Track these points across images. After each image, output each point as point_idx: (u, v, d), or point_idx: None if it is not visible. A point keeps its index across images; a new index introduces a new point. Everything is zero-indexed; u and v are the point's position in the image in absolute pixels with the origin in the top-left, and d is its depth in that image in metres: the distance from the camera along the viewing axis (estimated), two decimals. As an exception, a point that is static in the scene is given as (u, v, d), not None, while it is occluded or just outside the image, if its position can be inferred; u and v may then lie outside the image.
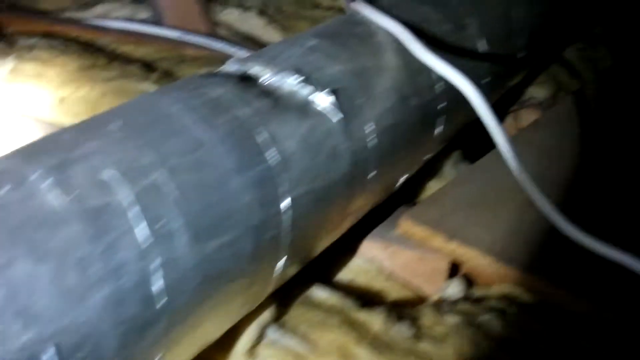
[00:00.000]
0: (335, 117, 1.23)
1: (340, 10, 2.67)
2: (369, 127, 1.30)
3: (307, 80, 1.24)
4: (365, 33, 1.49)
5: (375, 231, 1.57)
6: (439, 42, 1.59)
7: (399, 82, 1.42)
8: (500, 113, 2.21)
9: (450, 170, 1.89)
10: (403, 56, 1.46)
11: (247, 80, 1.24)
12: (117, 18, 2.61)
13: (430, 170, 1.84)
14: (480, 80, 1.74)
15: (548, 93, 2.35)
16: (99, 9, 2.67)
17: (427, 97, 1.50)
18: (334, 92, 1.25)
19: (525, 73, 2.23)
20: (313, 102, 1.22)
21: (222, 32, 2.63)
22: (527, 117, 2.23)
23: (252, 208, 1.04)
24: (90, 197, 0.86)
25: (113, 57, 2.27)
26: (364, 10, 1.56)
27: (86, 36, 2.45)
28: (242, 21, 2.67)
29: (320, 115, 1.22)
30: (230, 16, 2.69)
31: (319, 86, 1.25)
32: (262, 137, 1.09)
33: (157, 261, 0.87)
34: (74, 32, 2.46)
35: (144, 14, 2.65)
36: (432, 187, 1.83)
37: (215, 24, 2.65)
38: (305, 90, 1.23)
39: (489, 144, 1.83)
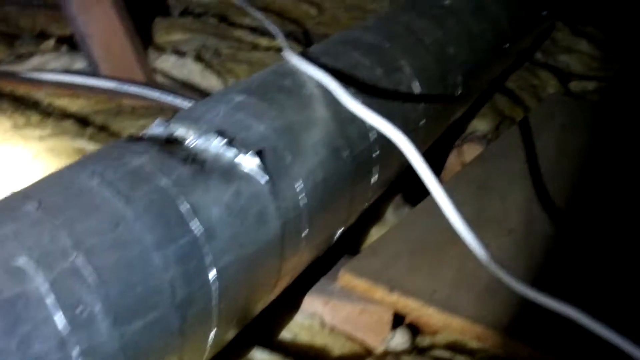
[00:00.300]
0: (263, 178, 1.22)
1: (279, 50, 2.68)
2: (299, 186, 1.30)
3: (233, 142, 1.23)
4: (295, 84, 1.48)
5: (316, 285, 1.56)
6: (371, 87, 1.60)
7: (330, 134, 1.42)
8: (445, 148, 2.23)
9: (391, 215, 1.90)
10: (334, 106, 1.46)
11: (171, 144, 1.23)
12: (53, 70, 2.58)
13: (371, 216, 1.84)
14: (417, 122, 1.76)
15: (491, 125, 2.38)
16: (35, 60, 2.65)
17: (361, 147, 1.50)
18: (260, 152, 1.24)
19: (466, 108, 2.25)
20: (239, 164, 1.21)
21: (159, 79, 2.62)
22: (471, 151, 2.25)
23: (177, 283, 1.02)
24: (3, 286, 0.84)
25: (48, 113, 2.25)
26: (293, 59, 1.56)
27: (21, 90, 2.42)
28: (178, 67, 2.66)
29: (246, 177, 1.21)
30: (167, 63, 2.68)
31: (245, 147, 1.24)
32: (185, 207, 1.08)
33: (77, 350, 0.85)
34: (7, 86, 2.43)
35: (80, 64, 2.63)
36: (374, 233, 1.83)
37: (152, 71, 2.64)
38: (230, 153, 1.21)
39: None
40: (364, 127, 1.49)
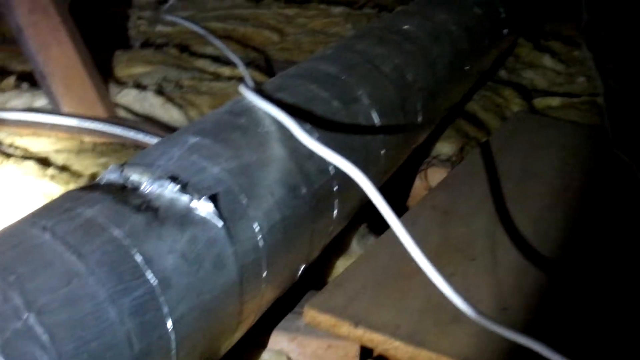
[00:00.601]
0: (218, 223, 1.22)
1: (241, 79, 2.70)
2: (257, 227, 1.30)
3: (187, 187, 1.24)
4: (251, 122, 1.49)
5: (282, 322, 1.56)
6: (328, 121, 1.61)
7: (287, 172, 1.43)
8: (410, 173, 2.25)
9: (357, 245, 1.91)
10: (290, 143, 1.47)
11: (125, 191, 1.23)
12: (13, 108, 2.58)
13: (336, 247, 1.85)
14: (378, 152, 1.77)
15: (455, 147, 2.41)
16: (-5, 99, 2.65)
17: (320, 182, 1.51)
18: (214, 196, 1.25)
19: (428, 132, 2.27)
20: (194, 209, 1.22)
21: (121, 114, 2.62)
22: (436, 175, 2.27)
23: (134, 336, 1.02)
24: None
25: (8, 155, 2.24)
26: (248, 95, 1.57)
27: (-19, 131, 2.42)
28: (140, 101, 2.67)
29: (202, 223, 1.21)
30: (128, 97, 2.69)
31: (200, 191, 1.24)
32: (139, 257, 1.08)
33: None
34: (-33, 127, 2.44)
35: (41, 101, 2.63)
36: (340, 265, 1.84)
37: (113, 106, 2.65)
38: (184, 198, 1.22)
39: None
40: (322, 162, 1.50)
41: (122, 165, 1.31)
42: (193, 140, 1.39)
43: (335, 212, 1.59)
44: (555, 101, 2.93)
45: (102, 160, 2.26)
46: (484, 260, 1.74)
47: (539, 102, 2.94)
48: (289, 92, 1.65)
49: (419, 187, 2.26)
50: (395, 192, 2.27)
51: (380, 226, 1.91)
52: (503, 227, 1.87)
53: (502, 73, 3.18)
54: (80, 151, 2.34)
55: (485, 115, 2.70)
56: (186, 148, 1.36)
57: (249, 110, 1.54)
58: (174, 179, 1.25)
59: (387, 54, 2.01)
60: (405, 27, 2.26)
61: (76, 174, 2.17)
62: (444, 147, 2.40)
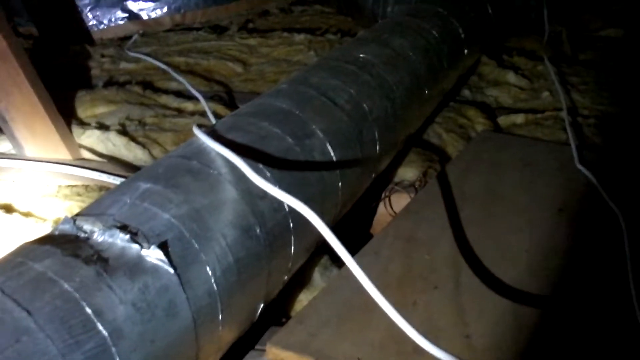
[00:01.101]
0: (170, 269, 1.25)
1: (203, 114, 2.73)
2: (209, 271, 1.33)
3: (137, 235, 1.27)
4: (203, 164, 1.52)
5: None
6: (281, 159, 1.65)
7: (239, 213, 1.46)
8: (374, 199, 2.28)
9: (319, 278, 1.94)
10: (243, 184, 1.50)
11: (77, 242, 1.26)
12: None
13: (299, 280, 1.88)
14: (335, 185, 1.81)
15: (418, 172, 2.43)
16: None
17: (274, 221, 1.54)
18: (165, 243, 1.28)
19: (389, 160, 2.31)
20: (145, 258, 1.25)
21: (84, 155, 2.65)
22: (400, 201, 2.30)
23: (86, 389, 1.05)
24: None
25: (-30, 202, 2.27)
26: (201, 137, 1.61)
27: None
28: (103, 142, 2.70)
29: (153, 271, 1.24)
30: (92, 138, 2.72)
31: (150, 239, 1.28)
32: (90, 310, 1.11)
33: None
34: None
35: (4, 146, 2.65)
36: (303, 298, 1.87)
37: (77, 148, 2.67)
38: (135, 247, 1.25)
39: (358, 243, 1.90)
40: (276, 200, 1.53)
41: (75, 216, 1.34)
42: (144, 186, 1.42)
43: (293, 248, 1.62)
44: (519, 118, 2.97)
45: (66, 204, 2.28)
46: (446, 287, 1.77)
47: (504, 120, 2.98)
48: (242, 131, 1.69)
49: (383, 213, 2.30)
50: (361, 218, 2.31)
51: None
52: (465, 252, 1.91)
53: (466, 92, 3.22)
54: (44, 195, 2.36)
55: (449, 137, 2.73)
56: (137, 195, 1.39)
57: (202, 152, 1.57)
58: (124, 228, 1.28)
59: (341, 85, 2.04)
60: (361, 55, 2.29)
61: (40, 219, 2.19)
62: (407, 172, 2.43)
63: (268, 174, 1.57)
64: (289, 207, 1.57)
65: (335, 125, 1.89)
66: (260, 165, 1.56)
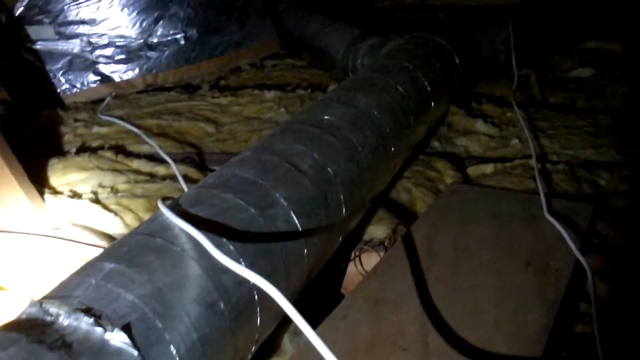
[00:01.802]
0: (133, 352, 1.30)
1: (175, 178, 2.79)
2: (174, 350, 1.38)
3: (101, 318, 1.32)
4: (167, 241, 1.57)
5: None
6: (244, 232, 1.69)
7: (203, 289, 1.51)
8: (344, 258, 2.32)
9: (289, 344, 1.97)
10: (206, 259, 1.55)
11: (43, 327, 1.30)
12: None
13: (269, 347, 1.92)
14: (300, 253, 1.85)
15: (388, 230, 2.48)
16: None
17: (238, 295, 1.59)
18: (128, 325, 1.32)
19: (357, 221, 2.35)
20: (108, 340, 1.29)
21: (57, 224, 2.69)
22: (370, 260, 2.34)
23: None
24: None
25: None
26: (165, 212, 1.66)
27: None
28: (75, 210, 2.73)
29: (117, 353, 1.28)
30: (64, 207, 2.76)
31: (114, 321, 1.32)
32: (53, 399, 1.15)
33: None
34: None
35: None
36: (273, 366, 1.90)
37: (49, 217, 2.71)
38: (99, 330, 1.30)
39: (330, 303, 1.94)
40: (240, 274, 1.57)
41: (42, 299, 1.39)
42: (109, 267, 1.47)
43: (259, 320, 1.66)
44: (489, 168, 3.03)
45: (38, 275, 2.32)
46: (414, 349, 1.81)
47: (473, 170, 3.03)
48: (205, 204, 1.74)
49: (353, 273, 2.34)
50: (331, 278, 2.35)
51: (314, 320, 1.98)
52: (433, 312, 1.95)
53: (436, 144, 3.29)
54: (16, 267, 2.39)
55: (418, 192, 2.79)
56: (102, 276, 1.44)
57: (165, 229, 1.62)
58: (88, 311, 1.33)
59: (305, 150, 2.09)
60: (326, 117, 2.34)
61: (12, 293, 2.22)
62: (377, 230, 2.48)
63: (232, 248, 1.61)
64: (254, 279, 1.61)
65: (299, 192, 1.94)
66: (224, 240, 1.61)
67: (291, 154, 2.07)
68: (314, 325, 1.91)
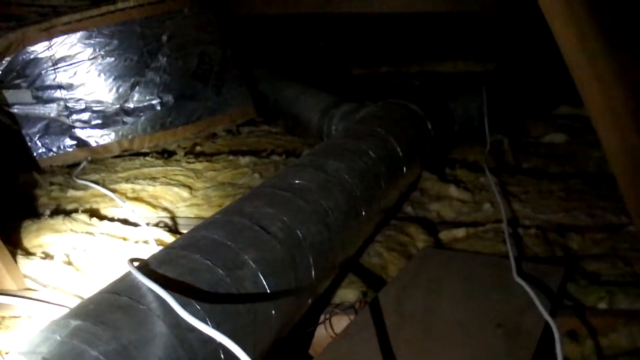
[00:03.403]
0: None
1: (147, 241, 2.81)
2: (137, 409, 1.39)
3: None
4: (134, 299, 1.61)
5: None
6: (210, 293, 1.72)
7: (169, 347, 1.53)
8: (313, 320, 2.34)
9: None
10: (171, 318, 1.58)
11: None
12: None
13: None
14: (268, 313, 1.88)
15: (358, 293, 2.51)
16: None
17: (204, 353, 1.62)
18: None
19: (327, 285, 2.38)
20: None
21: (29, 285, 2.71)
22: (341, 323, 2.37)
23: None
24: None
25: None
26: (133, 271, 1.69)
27: None
28: (48, 272, 2.75)
29: (80, 411, 1.30)
30: (37, 268, 2.78)
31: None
32: None
33: None
34: None
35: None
36: None
37: (22, 278, 2.73)
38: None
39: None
40: (206, 333, 1.59)
41: (6, 353, 1.41)
42: (74, 323, 1.50)
43: (226, 379, 1.68)
44: (460, 232, 3.08)
45: (9, 334, 2.32)
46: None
47: (445, 235, 3.08)
48: (173, 264, 1.77)
49: (323, 336, 2.36)
50: (300, 340, 2.37)
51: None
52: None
53: (408, 209, 3.33)
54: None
55: (390, 256, 2.83)
56: (67, 333, 1.47)
57: (133, 288, 1.65)
58: (52, 371, 1.34)
59: (275, 213, 2.14)
60: (297, 181, 2.39)
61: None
62: (347, 294, 2.51)
63: (198, 307, 1.64)
64: (220, 338, 1.63)
65: (268, 254, 1.98)
66: (191, 300, 1.64)
67: (261, 216, 2.11)
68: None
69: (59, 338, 1.45)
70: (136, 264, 1.76)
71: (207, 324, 1.59)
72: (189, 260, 1.80)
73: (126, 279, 1.71)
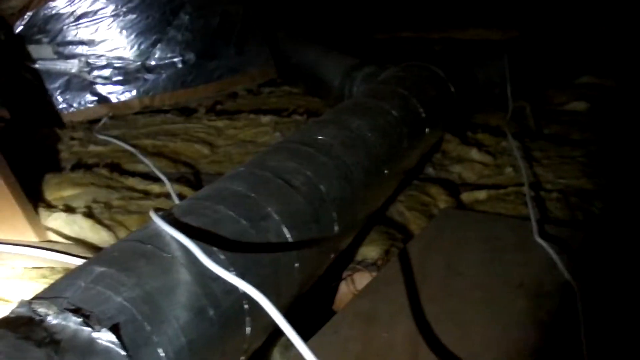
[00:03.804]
0: (121, 351, 1.30)
1: (169, 196, 2.79)
2: (161, 353, 1.38)
3: (90, 318, 1.32)
4: (157, 248, 1.58)
5: None
6: (234, 242, 1.70)
7: (192, 296, 1.51)
8: (336, 277, 2.33)
9: (280, 358, 1.97)
10: (196, 267, 1.56)
11: (31, 325, 1.31)
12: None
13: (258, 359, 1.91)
14: (291, 266, 1.86)
15: (380, 251, 2.49)
16: None
17: (227, 303, 1.59)
18: (116, 326, 1.32)
19: (349, 240, 2.36)
20: (96, 339, 1.29)
21: (51, 238, 2.70)
22: (362, 280, 2.35)
23: None
24: None
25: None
26: (156, 221, 1.66)
27: None
28: (69, 225, 2.75)
29: (105, 352, 1.29)
30: (58, 221, 2.77)
31: (102, 322, 1.32)
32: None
33: None
34: None
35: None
36: (263, 379, 1.90)
37: (44, 230, 2.72)
38: (87, 329, 1.30)
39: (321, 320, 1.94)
40: (229, 283, 1.58)
41: (32, 299, 1.39)
42: (98, 270, 1.47)
43: (248, 329, 1.67)
44: (482, 194, 3.04)
45: (32, 285, 2.32)
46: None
47: (467, 196, 3.05)
48: (197, 214, 1.75)
49: (345, 292, 2.34)
50: (323, 297, 2.36)
51: (304, 335, 1.98)
52: (424, 330, 1.95)
53: (430, 170, 3.30)
54: (9, 278, 2.39)
55: (412, 215, 2.80)
56: (91, 279, 1.45)
57: (157, 236, 1.63)
58: (77, 311, 1.33)
59: (298, 167, 2.11)
60: (320, 137, 2.36)
61: (3, 301, 2.22)
62: (370, 251, 2.49)
63: (222, 257, 1.62)
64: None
65: (291, 207, 1.96)
66: (214, 248, 1.62)
67: (284, 170, 2.09)
68: (304, 340, 1.92)
69: (83, 284, 1.43)
70: (159, 213, 1.73)
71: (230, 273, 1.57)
72: (213, 211, 1.78)
73: (150, 227, 1.68)
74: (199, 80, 4.49)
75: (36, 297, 1.43)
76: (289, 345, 2.02)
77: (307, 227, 1.97)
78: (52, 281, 2.28)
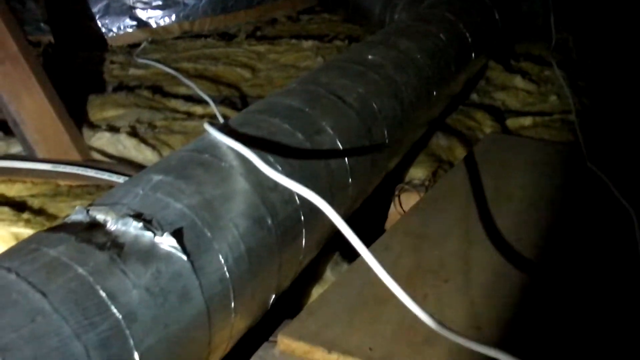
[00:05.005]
0: (183, 256, 1.27)
1: (212, 117, 2.76)
2: (222, 259, 1.35)
3: (150, 223, 1.29)
4: (215, 157, 1.54)
5: (258, 351, 1.60)
6: (291, 151, 1.66)
7: (251, 204, 1.48)
8: (384, 198, 2.29)
9: (330, 273, 1.95)
10: (254, 176, 1.52)
11: (91, 230, 1.27)
12: (-13, 156, 2.63)
13: (310, 274, 1.89)
14: (345, 180, 1.82)
15: (428, 172, 2.46)
16: (-32, 148, 2.70)
17: (285, 213, 1.56)
18: (178, 231, 1.29)
19: (399, 159, 2.32)
20: (158, 244, 1.26)
21: (95, 157, 2.67)
22: (410, 200, 2.32)
23: (100, 369, 1.06)
24: None
25: (-18, 201, 2.29)
26: (212, 131, 1.62)
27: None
28: (113, 144, 2.72)
29: (166, 257, 1.25)
30: (102, 140, 2.74)
31: (163, 227, 1.29)
32: (103, 293, 1.12)
33: None
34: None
35: (16, 148, 2.67)
36: (315, 293, 1.89)
37: (87, 150, 2.70)
38: (148, 234, 1.26)
39: (369, 239, 1.90)
40: (287, 193, 1.55)
41: (89, 206, 1.36)
42: (157, 178, 1.44)
43: (304, 241, 1.64)
44: (527, 121, 2.99)
45: (77, 202, 2.30)
46: (456, 281, 1.78)
47: (512, 122, 2.99)
48: (252, 126, 1.71)
49: (392, 213, 2.31)
50: (374, 216, 2.33)
51: (353, 253, 1.95)
52: (475, 247, 1.92)
53: (474, 96, 3.24)
54: (55, 195, 2.38)
55: (458, 139, 2.75)
56: (150, 186, 1.41)
57: (213, 147, 1.59)
58: (138, 216, 1.30)
59: (350, 84, 2.06)
60: (370, 57, 2.31)
61: (52, 217, 2.21)
62: (417, 172, 2.46)
63: (279, 167, 1.58)
64: (300, 200, 1.58)
65: (345, 122, 1.91)
66: (271, 158, 1.58)
67: (336, 87, 2.04)
68: (352, 259, 1.90)
69: (141, 191, 1.40)
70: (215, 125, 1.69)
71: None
72: (268, 124, 1.74)
73: (205, 139, 1.64)
74: (239, 5, 4.42)
75: (93, 204, 1.39)
76: (340, 262, 2.00)
77: (360, 143, 1.93)
78: (98, 197, 2.28)
